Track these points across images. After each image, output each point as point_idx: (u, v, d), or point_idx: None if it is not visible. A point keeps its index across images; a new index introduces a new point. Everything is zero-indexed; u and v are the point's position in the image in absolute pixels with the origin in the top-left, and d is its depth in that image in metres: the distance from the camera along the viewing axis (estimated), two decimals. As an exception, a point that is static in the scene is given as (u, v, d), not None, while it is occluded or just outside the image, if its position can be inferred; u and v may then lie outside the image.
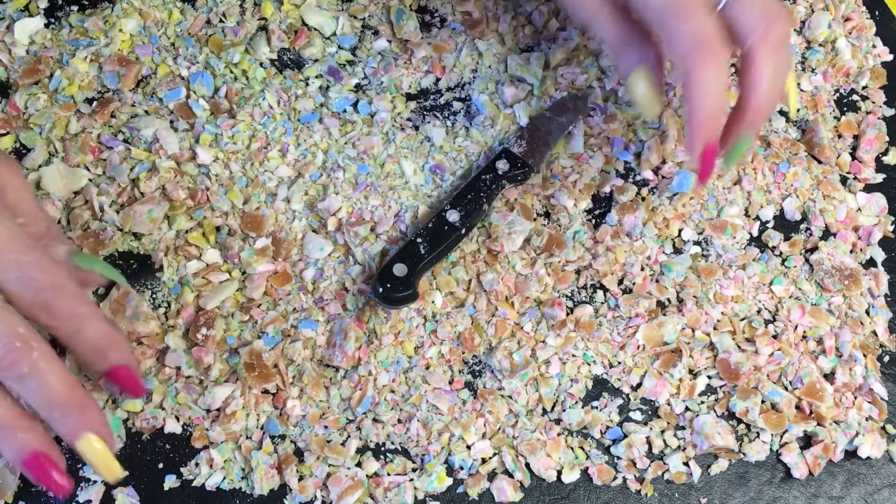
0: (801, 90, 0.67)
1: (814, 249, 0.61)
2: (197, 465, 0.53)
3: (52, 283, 0.43)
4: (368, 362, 0.55)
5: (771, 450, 0.55)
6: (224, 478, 0.52)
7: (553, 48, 0.66)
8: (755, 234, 0.62)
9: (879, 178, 0.64)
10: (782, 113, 0.66)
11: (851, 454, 0.55)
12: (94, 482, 0.52)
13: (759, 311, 0.59)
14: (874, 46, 0.69)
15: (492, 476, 0.53)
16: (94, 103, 0.63)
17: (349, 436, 0.54)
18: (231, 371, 0.55)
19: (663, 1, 0.49)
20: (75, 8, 0.67)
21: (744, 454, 0.54)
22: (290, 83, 0.65)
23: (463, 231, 0.57)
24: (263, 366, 0.54)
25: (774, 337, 0.57)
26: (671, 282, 0.59)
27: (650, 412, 0.56)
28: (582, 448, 0.54)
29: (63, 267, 0.44)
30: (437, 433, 0.54)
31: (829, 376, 0.56)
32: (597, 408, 0.55)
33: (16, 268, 0.41)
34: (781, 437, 0.55)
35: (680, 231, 0.61)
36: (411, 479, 0.53)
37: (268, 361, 0.54)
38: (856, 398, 0.56)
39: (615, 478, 0.54)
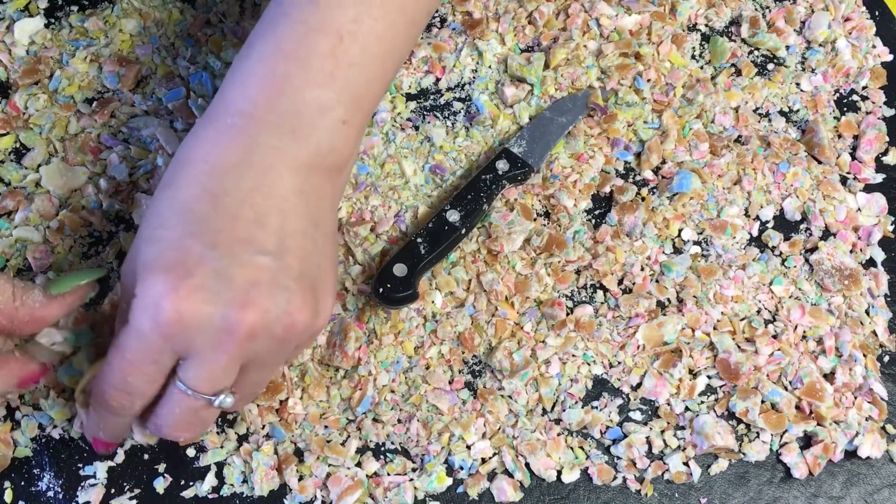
0: (801, 90, 0.67)
1: (814, 249, 0.61)
2: (195, 473, 0.53)
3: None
4: (368, 362, 0.55)
5: (771, 450, 0.55)
6: (224, 485, 0.52)
7: (553, 48, 0.66)
8: (755, 234, 0.62)
9: (879, 178, 0.64)
10: (782, 113, 0.66)
11: (851, 454, 0.55)
12: (94, 483, 0.52)
13: (759, 311, 0.58)
14: (874, 46, 0.69)
15: (492, 476, 0.53)
16: (94, 103, 0.63)
17: (349, 436, 0.54)
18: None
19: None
20: (75, 8, 0.67)
21: (744, 454, 0.54)
22: (290, 83, 0.65)
23: (463, 231, 0.57)
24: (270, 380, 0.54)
25: (774, 337, 0.57)
26: (671, 282, 0.59)
27: (650, 412, 0.56)
28: (582, 448, 0.54)
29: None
30: (437, 433, 0.54)
31: (829, 376, 0.56)
32: (597, 408, 0.55)
33: None
34: (781, 437, 0.55)
35: (680, 231, 0.61)
36: (411, 479, 0.53)
37: None
38: (856, 398, 0.56)
39: (615, 478, 0.54)
